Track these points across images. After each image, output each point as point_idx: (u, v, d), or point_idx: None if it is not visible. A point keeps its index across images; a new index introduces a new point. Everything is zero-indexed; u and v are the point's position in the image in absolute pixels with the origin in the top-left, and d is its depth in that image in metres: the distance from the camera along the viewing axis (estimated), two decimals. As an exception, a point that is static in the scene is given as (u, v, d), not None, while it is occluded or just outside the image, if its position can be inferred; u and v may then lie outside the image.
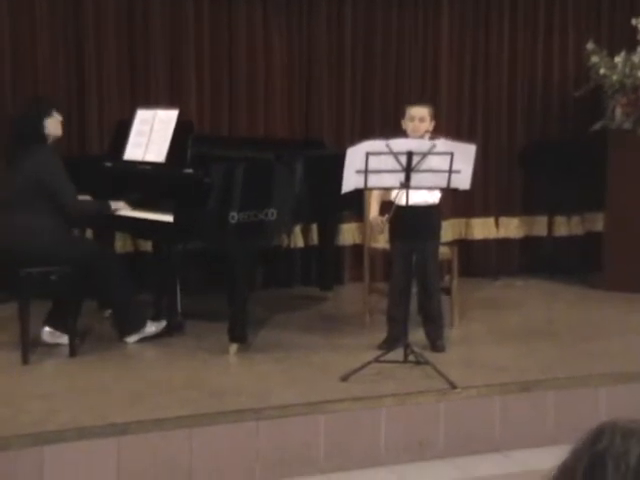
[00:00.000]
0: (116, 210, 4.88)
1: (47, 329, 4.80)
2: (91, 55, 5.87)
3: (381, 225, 4.75)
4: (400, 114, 4.91)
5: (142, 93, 5.98)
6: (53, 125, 4.78)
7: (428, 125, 4.76)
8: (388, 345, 4.67)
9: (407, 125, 4.78)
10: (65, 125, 4.93)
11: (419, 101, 5.13)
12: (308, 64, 6.38)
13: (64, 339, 4.71)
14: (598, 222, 6.86)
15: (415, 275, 4.84)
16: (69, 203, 4.70)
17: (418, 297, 5.02)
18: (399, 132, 4.76)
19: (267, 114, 6.31)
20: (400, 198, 4.47)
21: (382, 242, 5.24)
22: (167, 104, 5.68)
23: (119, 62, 5.96)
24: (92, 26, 5.86)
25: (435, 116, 4.87)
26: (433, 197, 4.78)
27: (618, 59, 6.19)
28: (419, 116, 4.75)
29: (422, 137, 4.67)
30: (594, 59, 6.26)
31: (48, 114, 4.76)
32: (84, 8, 5.82)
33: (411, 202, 4.44)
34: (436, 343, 4.84)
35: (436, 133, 4.76)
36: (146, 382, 4.33)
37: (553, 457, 1.33)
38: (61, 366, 4.57)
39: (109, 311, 5.11)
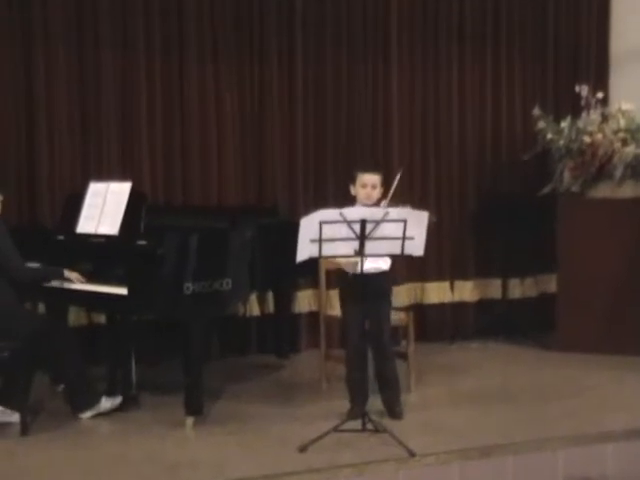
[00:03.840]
0: (69, 279, 4.83)
1: (-3, 407, 4.70)
2: (42, 123, 5.85)
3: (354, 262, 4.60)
4: (349, 179, 4.87)
5: (94, 164, 5.97)
6: None
7: (379, 192, 4.79)
8: (355, 413, 4.61)
9: (358, 191, 4.76)
10: (15, 196, 4.91)
11: (372, 168, 4.96)
12: (260, 131, 6.43)
13: (15, 417, 4.60)
14: (551, 283, 6.93)
15: (369, 340, 4.82)
16: (13, 266, 4.65)
17: (374, 362, 4.97)
18: (351, 198, 4.78)
19: (220, 181, 6.31)
20: (352, 266, 4.47)
21: (338, 309, 5.23)
22: (120, 173, 5.67)
23: (70, 130, 5.95)
24: (44, 87, 5.85)
25: (382, 183, 4.82)
26: (384, 264, 4.79)
27: (564, 124, 6.33)
28: (371, 183, 4.75)
29: (376, 205, 4.68)
30: (541, 124, 6.41)
31: None
32: (34, 72, 5.82)
33: (363, 269, 4.42)
34: (394, 410, 4.82)
35: (394, 200, 4.68)
36: (101, 458, 4.24)
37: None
38: (12, 446, 4.44)
39: (62, 386, 5.02)
